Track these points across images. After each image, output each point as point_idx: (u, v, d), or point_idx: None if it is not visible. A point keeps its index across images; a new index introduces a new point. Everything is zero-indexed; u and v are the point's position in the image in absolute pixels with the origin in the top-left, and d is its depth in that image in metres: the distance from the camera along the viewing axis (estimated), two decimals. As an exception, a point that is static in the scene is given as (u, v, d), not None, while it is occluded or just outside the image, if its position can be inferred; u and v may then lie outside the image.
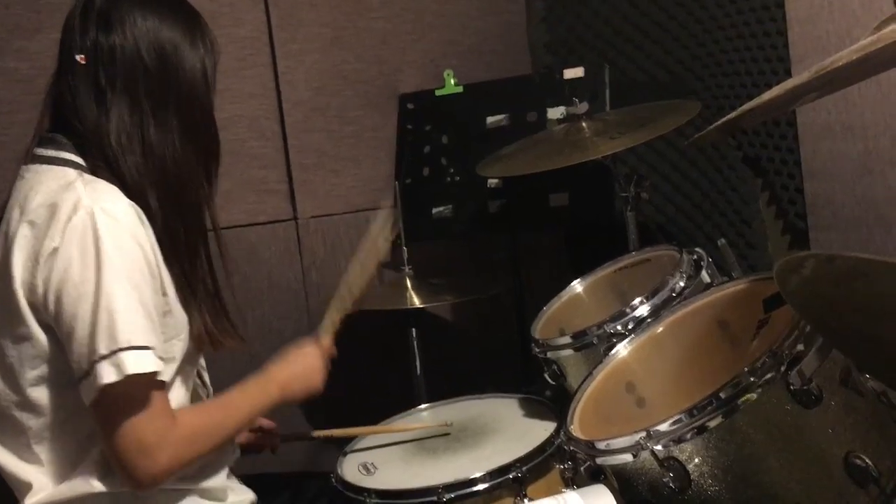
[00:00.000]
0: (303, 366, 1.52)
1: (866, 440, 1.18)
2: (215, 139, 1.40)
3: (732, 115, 1.10)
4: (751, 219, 2.35)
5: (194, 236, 1.36)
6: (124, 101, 1.30)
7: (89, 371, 1.20)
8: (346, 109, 2.54)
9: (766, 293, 1.38)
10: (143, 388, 1.24)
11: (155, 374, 1.23)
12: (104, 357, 1.19)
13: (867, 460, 1.14)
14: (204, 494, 1.37)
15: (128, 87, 1.30)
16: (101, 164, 1.29)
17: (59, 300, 1.22)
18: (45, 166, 1.30)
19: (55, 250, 1.22)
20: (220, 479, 1.41)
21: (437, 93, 2.56)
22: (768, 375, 1.14)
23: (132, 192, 1.29)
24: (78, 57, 1.30)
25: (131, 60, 1.30)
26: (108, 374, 1.19)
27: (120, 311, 1.20)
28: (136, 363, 1.20)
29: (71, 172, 1.28)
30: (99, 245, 1.21)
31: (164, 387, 1.28)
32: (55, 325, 1.23)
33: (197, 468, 1.35)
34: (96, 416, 1.24)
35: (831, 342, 1.15)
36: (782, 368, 1.14)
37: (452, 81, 2.55)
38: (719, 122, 1.15)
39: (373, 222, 1.75)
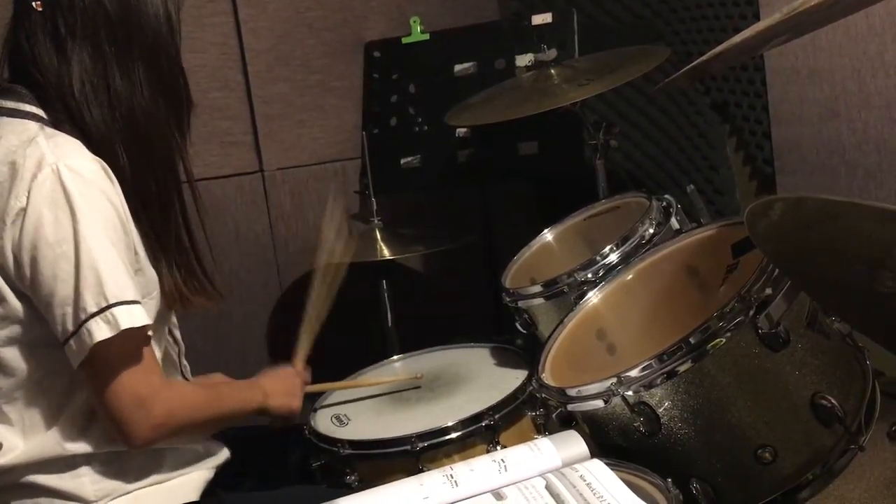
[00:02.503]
0: (286, 385, 1.55)
1: (832, 381, 1.20)
2: (185, 86, 1.36)
3: (702, 58, 1.09)
4: (718, 164, 2.36)
5: (167, 190, 1.33)
6: (85, 50, 1.25)
7: (76, 331, 1.18)
8: (311, 58, 2.48)
9: (734, 239, 1.38)
10: (136, 342, 1.23)
11: (147, 327, 1.22)
12: (94, 314, 1.17)
13: (833, 401, 1.17)
14: (182, 455, 1.37)
15: (88, 35, 1.25)
16: (64, 117, 1.25)
17: (34, 262, 1.18)
18: (4, 118, 1.26)
19: (22, 210, 1.18)
20: (198, 440, 1.40)
21: (404, 40, 2.52)
22: (737, 320, 1.15)
23: (98, 145, 1.25)
24: (34, 3, 1.24)
25: (91, 6, 1.25)
26: (101, 331, 1.17)
27: (104, 268, 1.18)
28: (129, 317, 1.19)
29: (32, 126, 1.24)
30: (71, 203, 1.18)
31: (150, 343, 1.27)
32: (31, 287, 1.20)
33: None
34: (87, 375, 1.22)
35: (799, 285, 1.17)
36: (751, 313, 1.15)
37: (419, 29, 2.50)
38: (689, 67, 1.14)
39: (324, 226, 1.74)
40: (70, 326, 1.18)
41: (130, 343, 1.22)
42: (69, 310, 1.18)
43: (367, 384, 1.81)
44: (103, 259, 1.18)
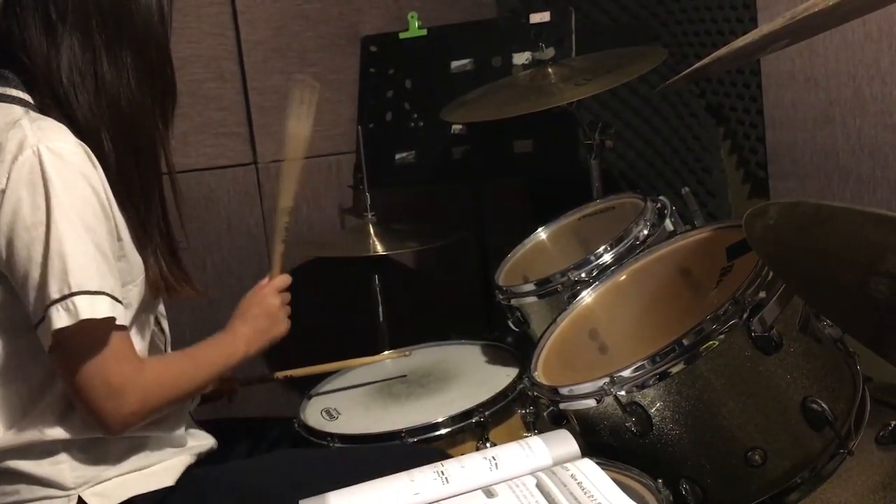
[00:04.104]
0: (263, 316, 1.48)
1: (823, 385, 1.21)
2: (171, 79, 1.35)
3: (703, 61, 1.09)
4: (711, 167, 2.37)
5: (149, 179, 1.32)
6: (76, 37, 1.24)
7: (42, 316, 1.17)
8: (308, 51, 2.48)
9: (728, 241, 1.39)
10: (101, 332, 1.21)
11: (110, 319, 1.20)
12: (55, 301, 1.16)
13: (823, 405, 1.17)
14: (163, 441, 1.36)
15: (79, 22, 1.24)
16: (51, 102, 1.24)
17: (10, 244, 1.18)
18: None
19: (1, 192, 1.17)
20: (180, 426, 1.39)
21: (401, 36, 2.51)
22: (730, 322, 1.16)
23: (83, 131, 1.24)
24: None
25: None
26: (59, 319, 1.16)
27: (71, 255, 1.17)
28: (90, 308, 1.17)
29: (17, 110, 1.23)
30: (48, 185, 1.16)
31: (125, 330, 1.25)
32: (8, 269, 1.20)
33: None
34: (56, 361, 1.22)
35: (793, 289, 1.17)
36: (744, 316, 1.15)
37: (416, 24, 2.50)
38: (689, 70, 1.14)
39: (291, 106, 1.57)
40: (39, 311, 1.18)
41: (94, 333, 1.20)
42: (38, 294, 1.17)
43: (356, 363, 1.80)
44: (72, 246, 1.17)
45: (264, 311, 1.48)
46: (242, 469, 1.44)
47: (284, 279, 1.54)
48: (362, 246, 2.12)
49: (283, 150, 1.57)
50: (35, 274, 1.17)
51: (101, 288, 1.19)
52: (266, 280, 1.53)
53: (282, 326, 1.49)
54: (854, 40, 1.86)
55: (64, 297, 1.16)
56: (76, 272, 1.17)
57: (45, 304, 1.16)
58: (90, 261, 1.19)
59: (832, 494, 1.25)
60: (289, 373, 1.72)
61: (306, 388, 1.81)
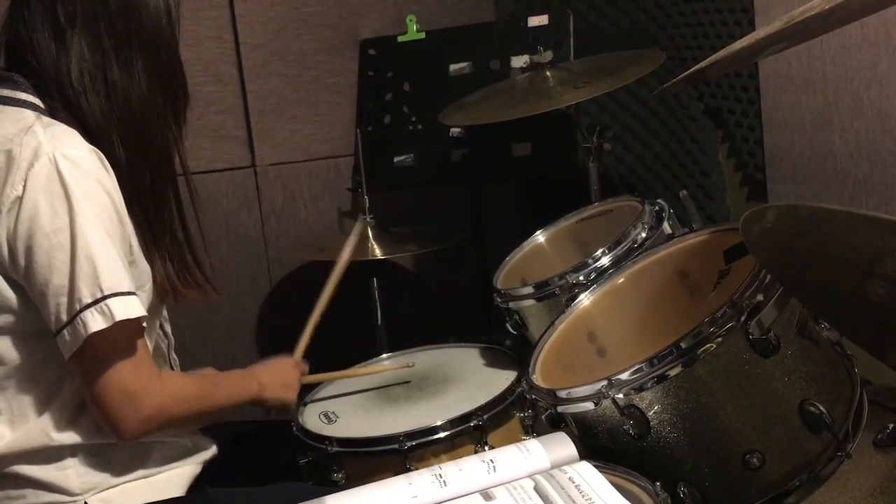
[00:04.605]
0: (283, 376, 1.55)
1: (821, 388, 1.21)
2: (182, 79, 1.36)
3: (701, 64, 1.09)
4: (710, 170, 2.37)
5: (162, 182, 1.32)
6: (85, 39, 1.25)
7: (70, 321, 1.17)
8: (306, 54, 2.48)
9: (726, 244, 1.39)
10: (130, 335, 1.22)
11: (143, 318, 1.22)
12: (89, 305, 1.16)
13: (821, 407, 1.17)
14: (169, 448, 1.36)
15: (88, 24, 1.25)
16: (61, 106, 1.24)
17: (29, 251, 1.18)
18: (0, 107, 1.25)
19: (18, 199, 1.17)
20: (183, 431, 1.39)
21: (400, 39, 2.51)
22: (728, 325, 1.16)
23: (94, 135, 1.24)
24: None
25: None
26: (95, 322, 1.16)
27: (100, 258, 1.17)
28: (125, 309, 1.18)
29: (29, 115, 1.23)
30: (67, 192, 1.17)
31: (144, 335, 1.26)
32: (25, 277, 1.20)
33: None
34: (79, 366, 1.22)
35: (790, 292, 1.17)
36: (742, 318, 1.15)
37: (415, 27, 2.50)
38: (688, 73, 1.14)
39: (346, 246, 1.81)
40: (64, 317, 1.18)
41: (124, 335, 1.21)
42: (63, 300, 1.17)
43: (359, 374, 1.81)
44: (99, 249, 1.18)
45: (284, 375, 1.57)
46: (250, 496, 1.44)
47: (304, 366, 1.66)
48: (361, 249, 2.12)
49: (333, 271, 1.78)
50: (58, 280, 1.17)
51: (132, 288, 1.21)
52: (293, 357, 1.64)
53: (293, 394, 1.57)
54: (852, 44, 1.86)
55: (97, 301, 1.17)
56: (107, 275, 1.18)
57: (77, 309, 1.17)
58: (117, 263, 1.20)
59: (830, 497, 1.25)
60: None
61: (305, 391, 1.81)
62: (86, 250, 1.17)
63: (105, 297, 1.17)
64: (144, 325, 1.25)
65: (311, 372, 1.71)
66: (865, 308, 0.98)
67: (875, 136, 1.87)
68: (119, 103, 1.27)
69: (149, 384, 1.25)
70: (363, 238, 2.15)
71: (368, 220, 2.19)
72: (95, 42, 1.25)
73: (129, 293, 1.20)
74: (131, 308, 1.20)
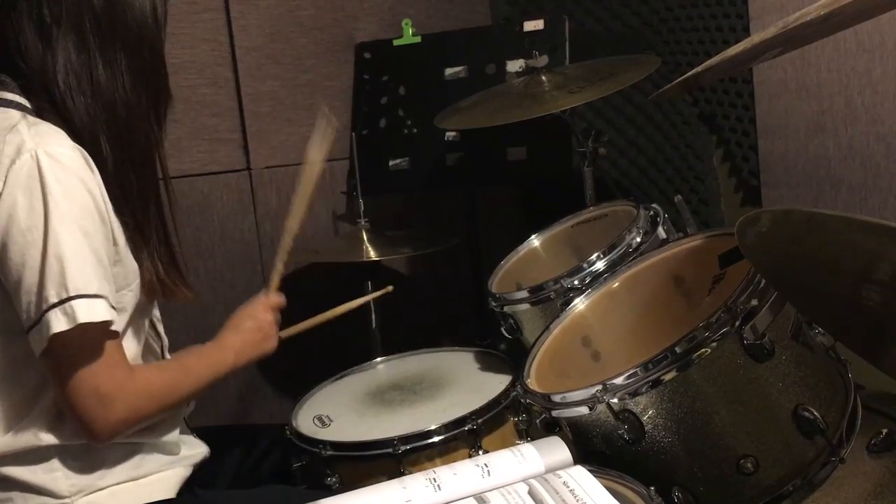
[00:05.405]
0: (255, 330, 1.48)
1: (815, 393, 1.21)
2: (165, 80, 1.36)
3: (696, 69, 1.10)
4: (704, 175, 2.38)
5: (146, 182, 1.32)
6: (70, 40, 1.24)
7: (38, 320, 1.17)
8: (302, 57, 2.48)
9: (721, 249, 1.39)
10: (97, 337, 1.21)
11: (108, 323, 1.20)
12: (54, 305, 1.16)
13: (815, 412, 1.18)
14: (156, 448, 1.35)
15: (74, 25, 1.25)
16: (47, 106, 1.24)
17: (5, 247, 1.17)
18: None
19: None
20: (174, 433, 1.39)
21: (395, 42, 2.52)
22: (723, 330, 1.16)
23: (80, 135, 1.24)
24: None
25: None
26: (58, 323, 1.15)
27: (69, 259, 1.16)
28: (88, 312, 1.17)
29: (14, 114, 1.23)
30: (45, 190, 1.16)
31: (118, 337, 1.25)
32: (3, 273, 1.19)
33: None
34: (48, 366, 1.21)
35: (785, 296, 1.17)
36: (737, 323, 1.16)
37: (410, 31, 2.50)
38: (682, 78, 1.14)
39: (312, 141, 1.66)
40: (33, 315, 1.17)
41: (89, 338, 1.20)
42: (33, 298, 1.17)
43: (338, 312, 1.72)
44: (71, 249, 1.17)
45: (257, 324, 1.49)
46: (241, 499, 1.43)
47: (279, 298, 1.56)
48: (356, 252, 2.12)
49: (299, 175, 1.64)
50: (30, 278, 1.17)
51: (100, 291, 1.19)
52: (262, 295, 1.54)
53: (272, 342, 1.50)
54: (846, 50, 1.87)
55: (62, 301, 1.16)
56: (75, 276, 1.16)
57: (42, 309, 1.16)
58: (88, 265, 1.18)
59: (824, 502, 1.25)
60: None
61: (298, 394, 1.80)
62: (56, 249, 1.16)
63: (70, 299, 1.16)
64: (115, 328, 1.23)
65: (302, 378, 1.69)
66: (860, 313, 0.98)
67: (869, 141, 1.87)
68: (104, 103, 1.26)
69: (122, 385, 1.23)
70: (358, 241, 2.15)
71: (363, 223, 2.19)
72: (81, 41, 1.25)
73: (95, 296, 1.18)
74: (96, 311, 1.18)
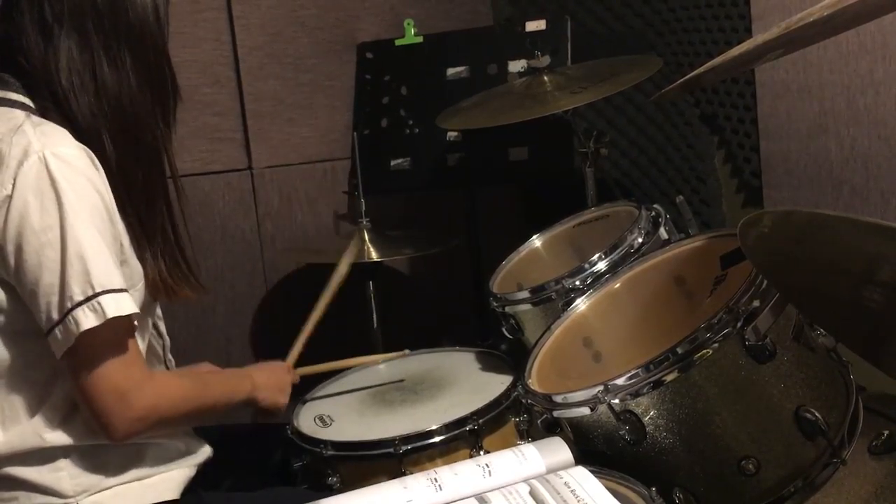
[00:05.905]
0: (276, 380, 1.55)
1: (816, 394, 1.21)
2: (172, 77, 1.35)
3: (698, 70, 1.10)
4: (706, 176, 2.38)
5: (152, 181, 1.32)
6: (73, 38, 1.24)
7: (62, 319, 1.17)
8: (303, 57, 2.48)
9: (722, 250, 1.39)
10: (122, 332, 1.22)
11: (133, 316, 1.21)
12: (81, 303, 1.16)
13: (817, 414, 1.18)
14: (161, 449, 1.35)
15: (76, 23, 1.24)
16: (51, 105, 1.24)
17: (19, 250, 1.17)
18: None
19: (7, 198, 1.17)
20: (179, 434, 1.39)
21: (397, 42, 2.52)
22: (724, 331, 1.16)
23: (85, 134, 1.24)
24: None
25: None
26: (87, 320, 1.16)
27: (91, 256, 1.17)
28: (116, 306, 1.18)
29: (18, 114, 1.23)
30: (57, 190, 1.17)
31: (135, 334, 1.26)
32: (15, 276, 1.19)
33: None
34: (70, 365, 1.21)
35: (786, 298, 1.17)
36: (738, 324, 1.15)
37: (412, 31, 2.50)
38: (685, 79, 1.14)
39: (345, 254, 1.85)
40: (55, 315, 1.17)
41: (116, 332, 1.21)
42: (54, 298, 1.17)
43: (353, 364, 1.82)
44: (90, 247, 1.17)
45: (278, 378, 1.56)
46: (244, 500, 1.44)
47: (296, 376, 1.65)
48: (357, 252, 2.12)
49: (329, 279, 1.80)
50: (48, 279, 1.17)
51: (123, 286, 1.21)
52: (286, 362, 1.65)
53: (285, 399, 1.56)
54: (848, 51, 1.87)
55: (89, 298, 1.16)
56: (99, 273, 1.17)
57: (68, 307, 1.16)
58: (109, 261, 1.20)
59: (825, 504, 1.25)
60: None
61: (299, 394, 1.80)
62: (76, 248, 1.16)
63: (97, 295, 1.17)
64: (136, 323, 1.24)
65: (303, 377, 1.70)
66: (861, 314, 0.98)
67: (871, 143, 1.87)
68: (109, 101, 1.26)
69: (140, 383, 1.24)
70: (359, 241, 2.15)
71: (365, 223, 2.19)
72: (83, 40, 1.25)
73: (120, 290, 1.20)
74: (123, 305, 1.19)
